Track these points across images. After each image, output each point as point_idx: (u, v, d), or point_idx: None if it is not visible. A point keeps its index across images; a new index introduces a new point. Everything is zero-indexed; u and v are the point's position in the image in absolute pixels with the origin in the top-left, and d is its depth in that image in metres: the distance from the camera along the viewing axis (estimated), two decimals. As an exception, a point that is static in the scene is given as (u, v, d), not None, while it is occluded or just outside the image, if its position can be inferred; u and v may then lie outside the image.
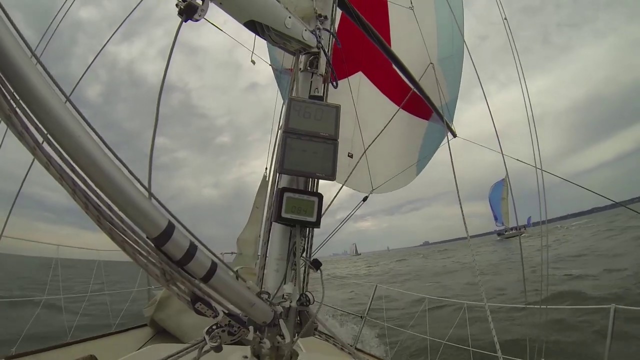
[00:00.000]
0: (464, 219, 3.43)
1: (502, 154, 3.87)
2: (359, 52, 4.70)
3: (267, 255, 1.56)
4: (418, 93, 4.27)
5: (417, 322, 5.70)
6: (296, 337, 1.44)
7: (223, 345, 1.23)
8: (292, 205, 1.41)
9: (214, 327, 1.18)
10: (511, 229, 77.41)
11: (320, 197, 1.47)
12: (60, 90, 0.89)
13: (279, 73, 5.30)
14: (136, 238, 1.00)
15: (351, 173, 3.63)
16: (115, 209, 0.93)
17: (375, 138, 3.74)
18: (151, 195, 1.22)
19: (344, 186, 4.20)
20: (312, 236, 1.62)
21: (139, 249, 1.01)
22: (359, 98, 4.97)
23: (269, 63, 5.41)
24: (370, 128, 4.68)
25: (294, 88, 1.80)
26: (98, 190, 0.90)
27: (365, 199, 5.08)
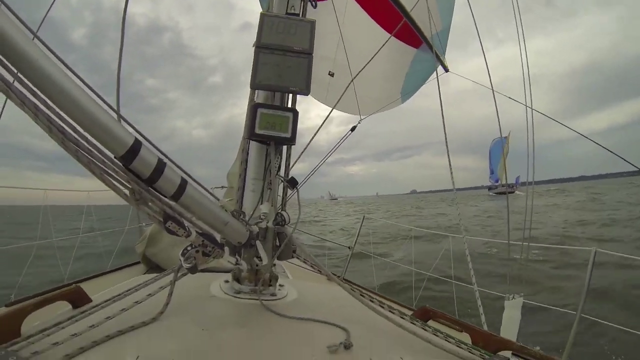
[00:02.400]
0: (451, 170, 3.45)
1: (493, 90, 3.81)
2: None
3: (245, 175, 1.56)
4: (407, 21, 4.10)
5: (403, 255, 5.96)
6: (274, 258, 1.49)
7: (208, 273, 1.28)
8: (266, 122, 1.39)
9: (189, 248, 1.21)
10: (503, 185, 79.77)
11: (295, 112, 1.44)
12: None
13: None
14: (102, 157, 0.99)
15: (341, 97, 3.57)
16: (80, 129, 0.92)
17: (367, 64, 3.63)
18: (118, 115, 1.21)
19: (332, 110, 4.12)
20: (289, 155, 1.61)
21: (106, 169, 1.01)
22: (344, 20, 4.82)
23: None
24: (355, 51, 4.57)
25: (270, 7, 1.72)
26: (61, 112, 0.89)
27: (353, 129, 5.10)
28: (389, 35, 4.60)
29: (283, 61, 1.41)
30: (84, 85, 1.05)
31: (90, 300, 1.41)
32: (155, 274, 1.50)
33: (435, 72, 4.64)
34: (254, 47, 1.42)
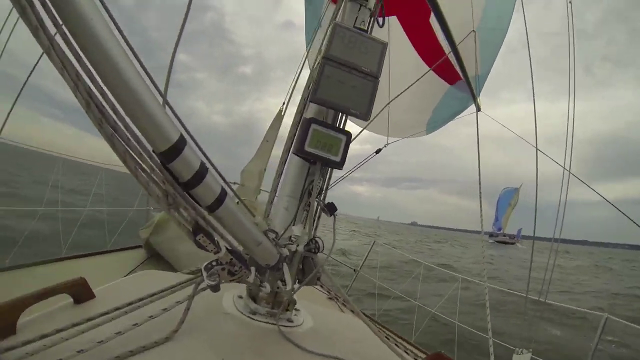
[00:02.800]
0: (480, 205, 3.31)
1: (537, 148, 3.72)
2: None
3: (278, 190, 1.44)
4: (452, 57, 4.01)
5: (409, 286, 5.76)
6: (298, 284, 1.36)
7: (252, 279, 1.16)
8: (318, 140, 1.27)
9: (214, 263, 1.08)
10: (505, 234, 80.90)
11: (348, 135, 1.32)
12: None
13: None
14: (140, 150, 0.86)
15: (376, 116, 3.48)
16: (121, 111, 0.80)
17: (403, 91, 3.55)
18: (166, 102, 1.08)
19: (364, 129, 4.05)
20: (330, 177, 1.50)
21: (142, 164, 0.88)
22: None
23: None
24: (392, 76, 4.51)
25: (337, 16, 1.60)
26: (104, 87, 0.76)
27: (378, 151, 4.99)
28: (426, 67, 4.54)
29: (348, 79, 1.31)
30: (135, 60, 0.91)
31: (93, 296, 1.28)
32: (162, 271, 1.37)
33: (470, 111, 4.58)
34: (319, 57, 1.31)
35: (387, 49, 1.40)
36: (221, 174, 1.09)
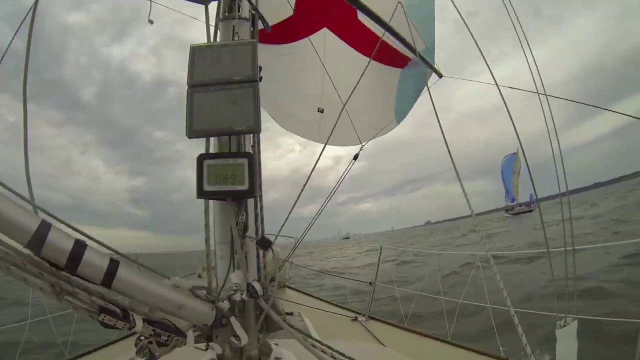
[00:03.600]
0: (464, 192, 3.16)
1: (497, 85, 3.50)
2: (320, 8, 4.43)
3: (210, 240, 1.31)
4: (390, 39, 4.00)
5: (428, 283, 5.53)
6: (258, 336, 1.22)
7: (194, 345, 1.03)
8: (216, 174, 1.15)
9: (142, 338, 0.97)
10: (520, 204, 76.55)
11: (249, 157, 1.19)
12: None
13: None
14: (4, 248, 0.80)
15: (333, 129, 3.41)
16: None
17: (353, 90, 3.50)
18: (29, 201, 1.03)
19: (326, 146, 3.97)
20: (261, 207, 1.37)
21: (13, 260, 0.81)
22: (326, 55, 4.73)
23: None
24: (342, 83, 4.47)
25: (217, 38, 1.49)
26: None
27: (356, 157, 4.90)
28: (373, 62, 4.53)
29: (224, 97, 1.18)
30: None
31: None
32: None
33: (432, 82, 4.54)
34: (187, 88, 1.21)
35: (256, 47, 1.29)
36: (109, 247, 0.99)
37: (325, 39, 4.70)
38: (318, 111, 5.07)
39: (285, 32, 4.51)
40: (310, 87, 5.02)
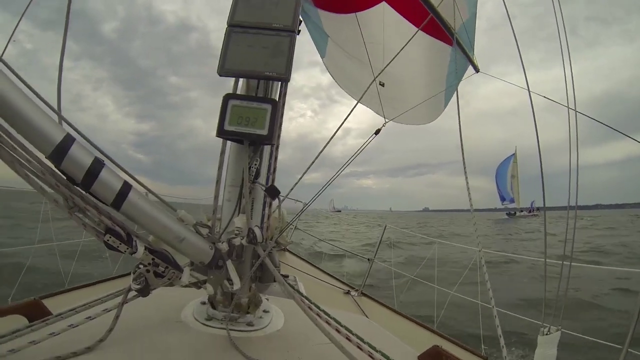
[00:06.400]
0: (467, 185, 3.14)
1: (529, 90, 3.42)
2: None
3: (221, 181, 1.34)
4: (435, 18, 3.86)
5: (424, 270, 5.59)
6: (251, 285, 1.28)
7: (187, 283, 1.10)
8: (239, 116, 1.17)
9: (140, 266, 1.03)
10: (522, 209, 76.37)
11: (274, 103, 1.20)
12: None
13: None
14: (26, 155, 0.86)
15: (365, 92, 3.37)
16: (2, 122, 0.81)
17: (392, 60, 3.42)
18: (57, 113, 1.08)
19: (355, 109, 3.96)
20: (276, 157, 1.39)
21: (33, 169, 0.87)
22: (385, 29, 4.66)
23: None
24: (402, 59, 4.46)
25: None
26: None
27: (377, 132, 4.85)
28: (427, 36, 4.43)
29: (259, 41, 1.20)
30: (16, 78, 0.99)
31: (50, 314, 1.27)
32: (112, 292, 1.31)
33: (469, 74, 4.43)
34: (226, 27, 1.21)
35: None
36: (125, 170, 1.03)
37: (384, 13, 4.62)
38: (380, 84, 5.05)
39: (347, 2, 4.54)
40: (372, 60, 4.98)
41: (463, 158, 3.00)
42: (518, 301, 7.60)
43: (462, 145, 2.94)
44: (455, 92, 3.29)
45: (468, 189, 2.89)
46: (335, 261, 11.48)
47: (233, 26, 1.22)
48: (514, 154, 72.24)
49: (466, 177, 2.95)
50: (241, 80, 1.32)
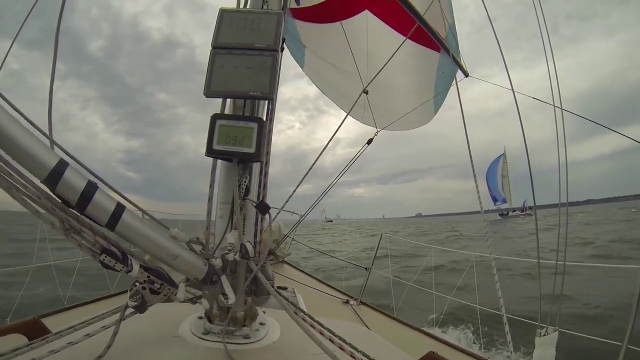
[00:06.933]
0: (476, 181, 3.19)
1: (513, 91, 3.51)
2: None
3: (213, 199, 1.39)
4: (421, 25, 3.94)
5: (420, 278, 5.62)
6: (246, 299, 1.31)
7: (183, 299, 1.12)
8: (226, 135, 1.20)
9: (136, 283, 1.07)
10: (514, 209, 76.96)
11: (260, 122, 1.23)
12: None
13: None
14: (22, 180, 0.89)
15: (355, 103, 3.42)
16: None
17: (381, 69, 3.49)
18: (49, 138, 1.12)
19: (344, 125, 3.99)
20: (266, 173, 1.42)
21: (29, 194, 0.90)
22: (368, 37, 4.74)
23: None
24: (386, 65, 4.53)
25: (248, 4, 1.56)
26: None
27: (370, 142, 4.90)
28: (413, 43, 4.49)
29: (242, 62, 1.24)
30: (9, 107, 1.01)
31: (49, 332, 1.29)
32: (106, 311, 1.34)
33: (459, 79, 4.51)
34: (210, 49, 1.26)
35: (284, 18, 1.35)
36: (118, 191, 1.07)
37: (367, 21, 4.69)
38: (364, 92, 5.15)
39: (328, 12, 4.58)
40: (354, 68, 5.03)
41: (471, 161, 3.05)
42: (522, 300, 7.63)
43: (469, 149, 2.99)
44: (458, 97, 3.36)
45: (478, 192, 2.94)
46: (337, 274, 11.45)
47: (217, 48, 1.26)
48: (503, 154, 72.49)
49: (475, 181, 2.99)
50: (228, 99, 1.37)
